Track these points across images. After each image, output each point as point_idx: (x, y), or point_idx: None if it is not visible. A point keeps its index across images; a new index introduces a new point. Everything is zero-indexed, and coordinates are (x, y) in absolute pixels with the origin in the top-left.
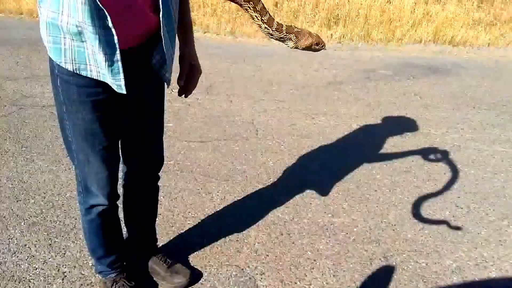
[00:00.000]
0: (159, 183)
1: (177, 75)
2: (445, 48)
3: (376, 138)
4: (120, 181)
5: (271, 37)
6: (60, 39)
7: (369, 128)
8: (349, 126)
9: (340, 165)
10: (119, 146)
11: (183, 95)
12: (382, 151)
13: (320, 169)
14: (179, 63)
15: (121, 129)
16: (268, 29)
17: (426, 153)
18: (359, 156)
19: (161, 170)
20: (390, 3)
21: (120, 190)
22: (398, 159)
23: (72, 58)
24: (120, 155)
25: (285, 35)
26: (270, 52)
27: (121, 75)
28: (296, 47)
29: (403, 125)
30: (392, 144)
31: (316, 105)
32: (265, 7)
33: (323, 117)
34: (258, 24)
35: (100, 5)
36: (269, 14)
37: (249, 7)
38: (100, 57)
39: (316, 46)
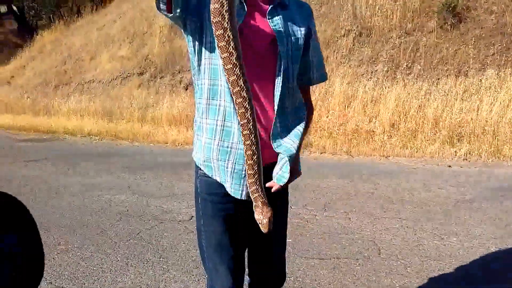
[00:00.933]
0: None
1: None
2: None
3: None
4: None
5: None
6: (211, 159)
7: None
8: (486, 248)
9: None
10: (245, 258)
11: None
12: None
13: None
14: None
15: (246, 242)
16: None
17: None
18: (505, 284)
19: (282, 286)
20: None
21: None
22: None
23: (218, 174)
24: (246, 268)
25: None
26: (388, 170)
27: (243, 186)
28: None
29: None
30: None
31: (444, 225)
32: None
33: (454, 237)
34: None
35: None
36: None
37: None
38: (237, 171)
39: (258, 221)
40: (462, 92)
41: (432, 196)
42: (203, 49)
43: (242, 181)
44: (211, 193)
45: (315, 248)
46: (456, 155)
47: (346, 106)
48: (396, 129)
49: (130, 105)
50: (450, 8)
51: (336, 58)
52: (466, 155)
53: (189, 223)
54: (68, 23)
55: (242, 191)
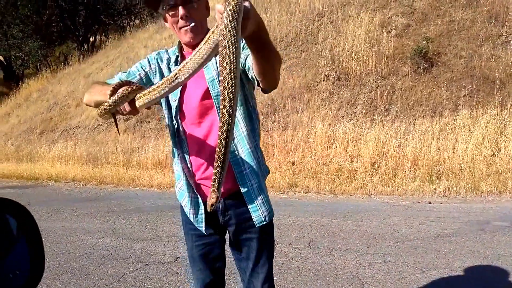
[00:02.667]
0: None
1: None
2: None
3: None
4: None
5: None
6: (178, 193)
7: (490, 282)
8: (465, 280)
9: None
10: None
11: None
12: None
13: None
14: None
15: (222, 259)
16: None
17: None
18: None
19: None
20: (494, 155)
21: None
22: None
23: (184, 204)
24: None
25: None
26: (371, 208)
27: (203, 223)
28: None
29: None
30: None
31: (425, 258)
32: None
33: (435, 270)
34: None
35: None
36: None
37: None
38: (191, 212)
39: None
40: (439, 131)
41: (414, 232)
42: (166, 115)
43: (196, 216)
44: (183, 216)
45: (301, 285)
46: (435, 192)
47: (328, 147)
48: (377, 168)
49: (116, 149)
50: (422, 54)
51: (317, 101)
52: (445, 192)
53: (174, 265)
54: (55, 71)
55: (199, 222)
